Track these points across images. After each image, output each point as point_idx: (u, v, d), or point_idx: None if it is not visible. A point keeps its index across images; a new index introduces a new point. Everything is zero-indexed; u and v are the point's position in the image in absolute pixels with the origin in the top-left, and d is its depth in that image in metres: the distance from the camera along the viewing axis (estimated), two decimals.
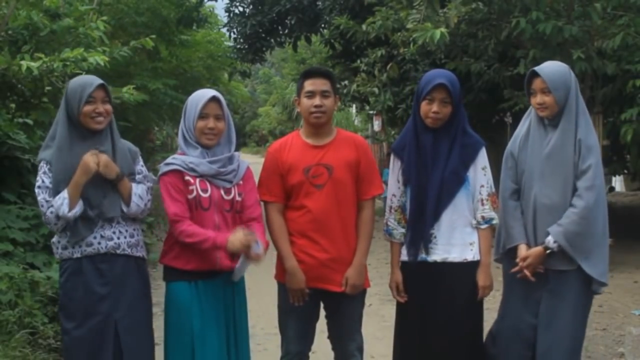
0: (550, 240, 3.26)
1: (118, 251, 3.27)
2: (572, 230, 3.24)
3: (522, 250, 3.34)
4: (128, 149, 3.39)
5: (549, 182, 3.31)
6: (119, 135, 3.39)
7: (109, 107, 3.29)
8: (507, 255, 3.45)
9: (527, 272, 3.30)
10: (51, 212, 3.17)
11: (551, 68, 3.38)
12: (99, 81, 3.28)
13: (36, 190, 3.23)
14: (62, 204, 3.14)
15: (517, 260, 3.34)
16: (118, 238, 3.27)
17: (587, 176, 3.26)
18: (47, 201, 3.19)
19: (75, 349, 3.23)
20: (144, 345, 3.34)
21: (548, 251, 3.27)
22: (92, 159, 3.17)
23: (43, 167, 3.23)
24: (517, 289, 3.40)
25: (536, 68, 3.39)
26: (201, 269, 3.28)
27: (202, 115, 3.30)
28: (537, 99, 3.35)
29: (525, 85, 3.44)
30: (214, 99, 3.32)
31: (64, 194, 3.15)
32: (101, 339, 3.21)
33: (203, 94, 3.36)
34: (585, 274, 3.29)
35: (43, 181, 3.21)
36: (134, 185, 3.31)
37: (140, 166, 3.41)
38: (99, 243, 3.23)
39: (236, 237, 3.20)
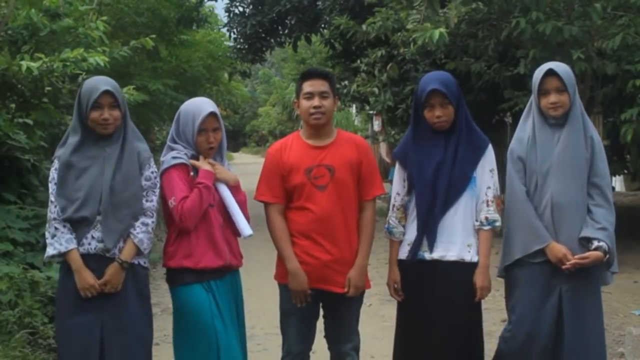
0: (605, 245, 3.27)
1: (108, 254, 3.22)
2: (612, 231, 3.31)
3: (560, 248, 3.30)
4: (138, 153, 3.33)
5: (565, 181, 3.32)
6: (135, 139, 3.35)
7: (117, 113, 3.25)
8: (518, 262, 3.41)
9: (576, 266, 3.30)
10: (53, 222, 3.21)
11: (563, 67, 3.41)
12: (105, 87, 3.24)
13: (50, 185, 3.28)
14: (62, 243, 3.17)
15: (564, 254, 3.28)
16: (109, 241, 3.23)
17: (605, 174, 3.35)
18: (52, 202, 3.23)
19: (63, 347, 3.23)
20: (135, 349, 3.27)
21: (607, 256, 3.30)
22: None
23: (55, 164, 3.27)
24: (531, 293, 3.38)
25: (552, 67, 3.38)
26: (213, 266, 3.30)
27: (200, 131, 3.32)
28: (551, 98, 3.34)
29: (535, 85, 3.41)
30: (211, 114, 3.34)
31: (72, 242, 3.17)
32: (88, 338, 3.20)
33: (200, 109, 3.35)
34: (599, 268, 3.36)
35: (53, 177, 3.26)
36: (135, 230, 3.26)
37: (150, 172, 3.33)
38: (89, 244, 3.22)
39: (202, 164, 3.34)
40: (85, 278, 3.18)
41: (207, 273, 3.30)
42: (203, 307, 3.27)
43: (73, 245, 3.18)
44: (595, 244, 3.28)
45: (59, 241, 3.17)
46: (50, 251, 3.21)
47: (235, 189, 3.42)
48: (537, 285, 3.36)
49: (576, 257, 3.28)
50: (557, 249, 3.30)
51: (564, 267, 3.29)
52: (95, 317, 3.21)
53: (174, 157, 3.34)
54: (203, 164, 3.34)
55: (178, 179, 3.29)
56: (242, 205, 3.43)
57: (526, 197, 3.38)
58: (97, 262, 3.22)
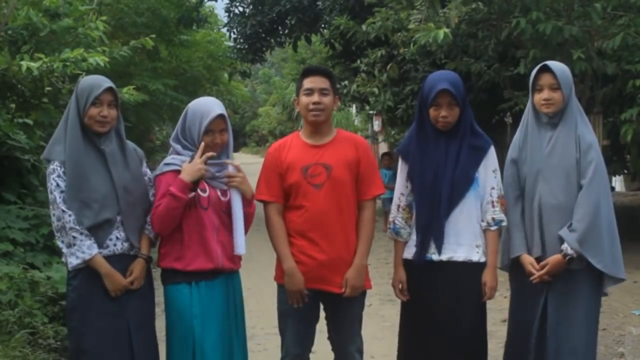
0: (567, 247, 3.25)
1: (132, 252, 3.28)
2: (586, 233, 3.23)
3: (526, 261, 3.34)
4: (134, 150, 3.40)
5: (554, 181, 3.30)
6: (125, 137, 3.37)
7: (114, 112, 3.25)
8: (514, 261, 3.44)
9: (545, 277, 3.30)
10: (70, 231, 3.15)
11: (559, 65, 3.41)
12: (108, 84, 3.25)
13: (54, 194, 3.17)
14: (84, 251, 3.15)
15: (529, 269, 3.32)
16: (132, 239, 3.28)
17: (589, 173, 3.27)
18: (63, 211, 3.14)
19: (93, 350, 3.20)
20: (151, 343, 3.35)
21: (567, 258, 3.26)
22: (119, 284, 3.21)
23: (57, 170, 3.18)
24: (523, 290, 3.40)
25: (547, 63, 3.38)
26: (203, 269, 3.28)
27: (207, 131, 3.30)
28: (544, 94, 3.33)
29: (530, 81, 3.41)
30: (219, 116, 3.31)
31: (94, 248, 3.15)
32: (118, 339, 3.21)
33: (208, 110, 3.32)
34: (594, 272, 3.28)
35: (58, 185, 3.17)
36: (149, 226, 3.31)
37: (145, 168, 3.41)
38: (115, 245, 3.23)
39: (188, 167, 3.23)
40: (118, 280, 3.20)
41: (197, 274, 3.30)
42: (183, 307, 3.28)
43: (96, 250, 3.17)
44: (562, 246, 3.28)
45: (81, 249, 3.15)
46: (73, 261, 3.17)
47: (247, 201, 3.40)
48: (527, 284, 3.36)
49: (533, 268, 3.30)
50: (525, 263, 3.34)
51: (532, 280, 3.31)
52: (122, 316, 3.24)
53: (166, 164, 3.33)
54: (185, 171, 3.22)
55: (164, 186, 3.28)
56: (250, 217, 3.43)
57: (513, 204, 3.41)
58: (122, 261, 3.24)
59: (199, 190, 3.30)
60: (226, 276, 3.38)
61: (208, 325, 3.28)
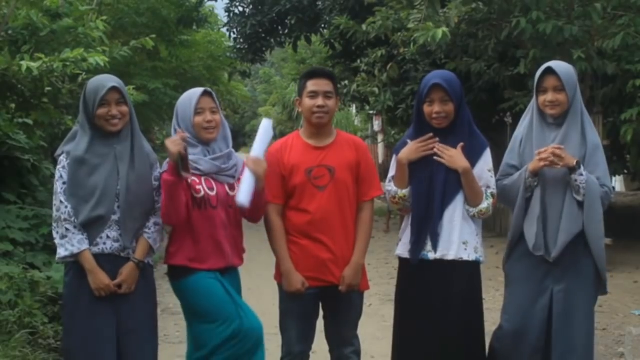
0: (582, 170, 3.24)
1: (123, 254, 3.25)
2: (595, 184, 3.25)
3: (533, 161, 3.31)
4: (147, 154, 3.38)
5: (556, 181, 3.30)
6: (142, 138, 3.38)
7: (124, 108, 3.28)
8: (513, 257, 3.45)
9: (557, 153, 3.26)
10: (64, 223, 3.18)
11: (563, 66, 3.40)
12: (112, 83, 3.27)
13: (56, 184, 3.23)
14: (74, 244, 3.17)
15: (536, 163, 3.30)
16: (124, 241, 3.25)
17: (601, 172, 3.30)
18: (61, 202, 3.19)
19: (77, 349, 3.22)
20: (146, 348, 3.32)
21: (574, 166, 3.22)
22: (103, 281, 3.19)
23: (63, 162, 3.23)
24: (523, 292, 3.39)
25: (551, 65, 3.37)
26: (215, 268, 3.32)
27: (198, 111, 3.34)
28: (549, 96, 3.34)
29: (535, 83, 3.41)
30: (206, 93, 3.37)
31: (84, 243, 3.17)
32: (102, 340, 3.20)
33: (194, 92, 3.41)
34: (596, 272, 3.32)
35: (62, 176, 3.22)
36: (150, 230, 3.31)
37: (158, 172, 3.37)
38: (105, 243, 3.22)
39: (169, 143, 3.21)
40: (101, 279, 3.19)
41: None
42: (216, 286, 3.29)
43: (85, 245, 3.18)
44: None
45: (71, 242, 3.16)
46: (62, 252, 3.19)
47: (257, 192, 3.32)
48: (530, 284, 3.36)
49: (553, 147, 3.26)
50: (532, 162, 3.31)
51: (541, 158, 3.26)
52: (111, 318, 3.22)
53: (168, 162, 3.34)
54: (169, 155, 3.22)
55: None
56: (260, 211, 3.41)
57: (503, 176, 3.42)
58: (111, 262, 3.23)
59: (207, 190, 3.31)
60: (234, 272, 3.45)
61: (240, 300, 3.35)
